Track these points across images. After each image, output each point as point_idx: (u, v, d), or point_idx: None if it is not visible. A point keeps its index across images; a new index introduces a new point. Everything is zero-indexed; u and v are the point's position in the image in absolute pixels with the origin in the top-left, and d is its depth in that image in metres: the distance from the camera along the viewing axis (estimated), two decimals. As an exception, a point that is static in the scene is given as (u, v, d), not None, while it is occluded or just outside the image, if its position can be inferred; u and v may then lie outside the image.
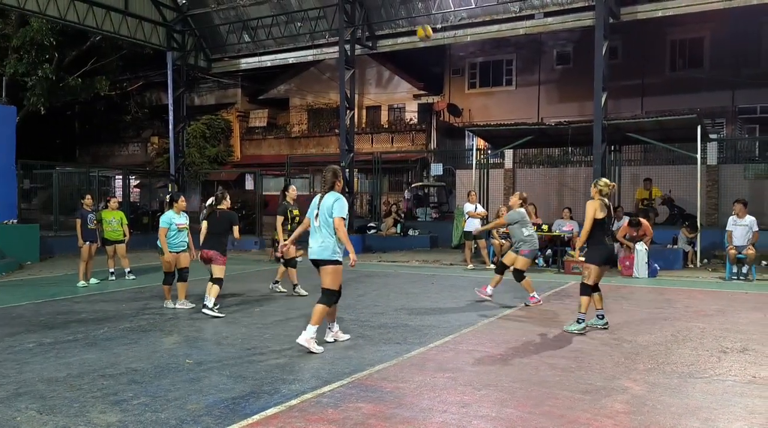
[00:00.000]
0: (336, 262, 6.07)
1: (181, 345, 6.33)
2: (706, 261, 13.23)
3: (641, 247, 11.71)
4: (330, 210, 6.02)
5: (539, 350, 6.15)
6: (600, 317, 7.10)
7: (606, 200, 6.93)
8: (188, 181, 25.12)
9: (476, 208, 13.35)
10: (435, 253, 16.17)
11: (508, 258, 8.65)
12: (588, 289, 6.93)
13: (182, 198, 8.64)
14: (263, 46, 21.32)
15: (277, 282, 9.80)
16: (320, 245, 6.06)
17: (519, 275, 8.42)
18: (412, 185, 24.40)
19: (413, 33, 18.43)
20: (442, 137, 27.72)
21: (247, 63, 22.37)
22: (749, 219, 11.24)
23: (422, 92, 28.58)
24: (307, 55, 20.98)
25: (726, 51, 23.20)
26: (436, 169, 21.24)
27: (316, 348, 5.94)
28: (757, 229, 11.22)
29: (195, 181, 28.16)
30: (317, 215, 6.12)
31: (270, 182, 26.74)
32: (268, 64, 21.99)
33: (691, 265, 12.91)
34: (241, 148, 31.98)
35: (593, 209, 6.83)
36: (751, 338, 6.58)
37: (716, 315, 7.92)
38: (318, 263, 6.12)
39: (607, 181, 7.12)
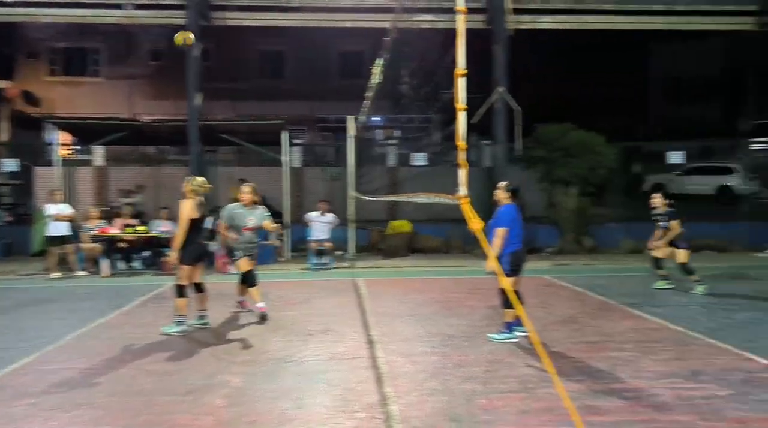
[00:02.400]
0: None
1: None
2: (294, 254, 14.59)
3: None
4: None
5: (136, 358, 5.83)
6: (201, 317, 7.11)
7: (201, 199, 6.94)
8: None
9: (61, 209, 11.96)
10: (9, 263, 13.91)
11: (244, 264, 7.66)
12: (182, 290, 6.84)
13: None
14: None
15: None
16: None
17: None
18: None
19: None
20: (20, 129, 24.06)
21: None
22: (330, 216, 12.86)
23: (-14, 75, 24.25)
24: None
25: (306, 65, 26.06)
26: (9, 165, 18.32)
27: None
28: (338, 223, 12.95)
29: None
30: None
31: None
32: None
33: (282, 258, 14.05)
34: None
35: (187, 209, 6.75)
36: (331, 320, 7.49)
37: (303, 302, 8.77)
38: None
39: (202, 180, 7.08)
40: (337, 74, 26.76)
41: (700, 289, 8.96)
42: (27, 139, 23.64)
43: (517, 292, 6.02)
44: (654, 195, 9.46)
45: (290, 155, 14.88)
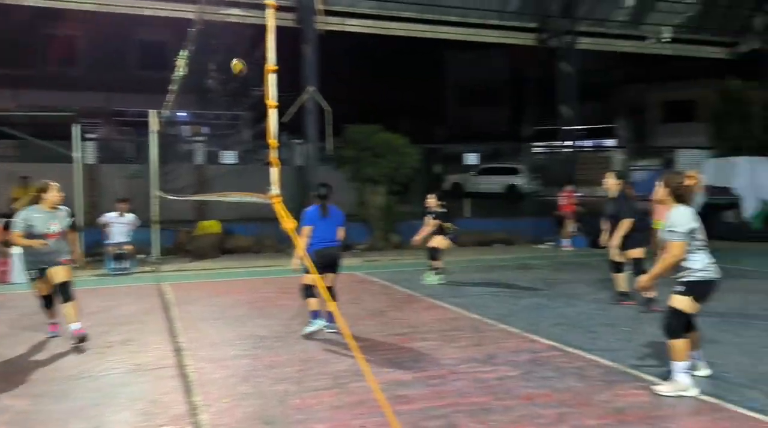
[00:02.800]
0: None
1: None
2: (89, 259, 13.33)
3: (18, 251, 10.84)
4: None
5: None
6: None
7: None
8: None
9: None
10: None
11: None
12: None
13: None
14: None
15: None
16: None
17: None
18: None
19: None
20: None
21: None
22: (130, 216, 11.92)
23: None
24: None
25: (100, 54, 23.94)
26: None
27: None
28: (139, 224, 12.06)
29: None
30: None
31: None
32: None
33: (76, 265, 12.77)
34: None
35: None
36: (133, 329, 6.96)
37: (101, 312, 8.03)
38: None
39: None
40: (138, 65, 25.01)
41: (435, 278, 9.84)
42: None
43: (330, 289, 6.20)
44: (429, 195, 10.08)
45: (83, 151, 13.57)
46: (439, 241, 9.83)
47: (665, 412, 4.26)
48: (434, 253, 9.92)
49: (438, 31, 17.78)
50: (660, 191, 4.71)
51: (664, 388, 4.59)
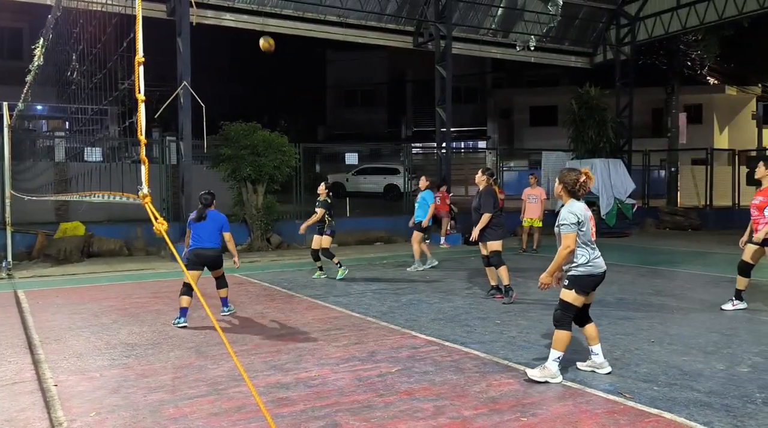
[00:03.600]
0: None
1: None
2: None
3: None
4: None
5: None
6: None
7: None
8: None
9: None
10: None
11: None
12: None
13: None
14: None
15: None
16: None
17: None
18: None
19: None
20: None
21: None
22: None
23: None
24: None
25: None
26: None
27: None
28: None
29: None
30: None
31: None
32: None
33: None
34: None
35: None
36: (-17, 341, 6.32)
37: (-58, 324, 7.22)
38: None
39: None
40: (-12, 52, 22.78)
41: (340, 272, 10.09)
42: None
43: (219, 279, 7.37)
44: (322, 184, 10.45)
45: None
46: (325, 241, 10.05)
47: (534, 399, 4.51)
48: (326, 253, 10.09)
49: (317, 30, 17.72)
50: (556, 186, 5.02)
51: (536, 373, 4.86)
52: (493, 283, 8.42)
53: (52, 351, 5.92)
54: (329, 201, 10.12)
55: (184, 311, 6.89)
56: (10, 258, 11.54)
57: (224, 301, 7.51)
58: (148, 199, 3.55)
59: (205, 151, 14.32)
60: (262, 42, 11.25)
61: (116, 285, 10.08)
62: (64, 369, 5.30)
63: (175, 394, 4.65)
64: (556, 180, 5.08)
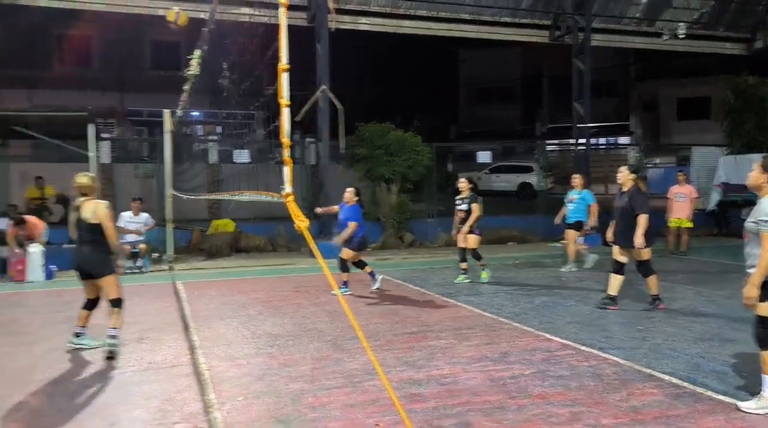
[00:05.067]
0: None
1: None
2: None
3: (35, 249, 10.97)
4: None
5: None
6: None
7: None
8: None
9: None
10: None
11: None
12: None
13: None
14: None
15: None
16: None
17: None
18: None
19: None
20: None
21: None
22: (144, 216, 12.08)
23: None
24: None
25: (114, 54, 24.13)
26: None
27: None
28: (153, 222, 12.21)
29: None
30: None
31: None
32: None
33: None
34: None
35: None
36: (147, 327, 7.01)
37: (115, 309, 8.09)
38: None
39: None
40: (151, 64, 25.16)
41: (484, 275, 9.70)
42: None
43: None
44: (461, 178, 9.83)
45: (98, 150, 13.66)
46: (473, 241, 9.54)
47: (680, 411, 4.22)
48: (475, 253, 9.64)
49: (451, 29, 17.70)
50: (755, 175, 4.22)
51: (751, 405, 4.18)
52: (612, 293, 7.55)
53: (205, 338, 6.44)
54: (473, 194, 9.57)
55: (345, 283, 8.67)
56: (171, 252, 12.69)
57: (373, 274, 9.03)
58: (290, 198, 3.74)
59: (342, 151, 14.84)
60: (172, 15, 10.38)
61: (261, 279, 10.75)
62: (215, 356, 5.75)
63: (314, 384, 4.88)
64: (756, 166, 4.22)
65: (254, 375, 5.17)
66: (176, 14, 10.41)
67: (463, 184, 9.70)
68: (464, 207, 9.52)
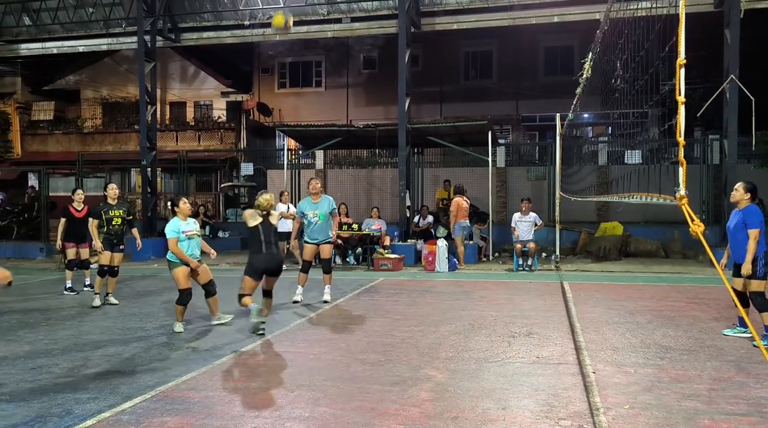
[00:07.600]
0: None
1: (-55, 372, 5.44)
2: (497, 254, 14.56)
3: (442, 244, 12.52)
4: None
5: (350, 347, 6.27)
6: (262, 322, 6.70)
7: (260, 212, 7.03)
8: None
9: (288, 208, 13.27)
10: (246, 255, 15.78)
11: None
12: (240, 298, 6.91)
13: (183, 200, 7.52)
14: (47, 31, 19.21)
15: (108, 294, 9.05)
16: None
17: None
18: (222, 185, 23.65)
19: (220, 28, 17.87)
20: (252, 136, 27.22)
21: (29, 49, 19.99)
22: (532, 215, 12.66)
23: (230, 90, 27.82)
24: (101, 43, 19.35)
25: (510, 64, 25.80)
26: (247, 168, 20.79)
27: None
28: (541, 222, 12.76)
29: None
30: None
31: (58, 182, 24.17)
32: (54, 51, 19.88)
33: (485, 258, 14.10)
34: (22, 143, 28.48)
35: (245, 218, 7.17)
36: (535, 322, 7.35)
37: (506, 303, 8.72)
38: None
39: (268, 197, 7.11)
40: (543, 71, 26.06)
41: None
42: (261, 145, 26.72)
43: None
44: None
45: (495, 155, 14.84)
46: None
47: None
48: None
49: None
50: None
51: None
52: None
53: (591, 340, 6.43)
54: None
55: (741, 319, 6.47)
56: (558, 252, 13.00)
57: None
58: (685, 201, 3.50)
59: (753, 148, 12.95)
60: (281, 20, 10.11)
61: (651, 286, 10.17)
62: (601, 359, 5.70)
63: (710, 406, 4.44)
64: None
65: (642, 385, 4.95)
66: (285, 19, 10.66)
67: None
68: None
